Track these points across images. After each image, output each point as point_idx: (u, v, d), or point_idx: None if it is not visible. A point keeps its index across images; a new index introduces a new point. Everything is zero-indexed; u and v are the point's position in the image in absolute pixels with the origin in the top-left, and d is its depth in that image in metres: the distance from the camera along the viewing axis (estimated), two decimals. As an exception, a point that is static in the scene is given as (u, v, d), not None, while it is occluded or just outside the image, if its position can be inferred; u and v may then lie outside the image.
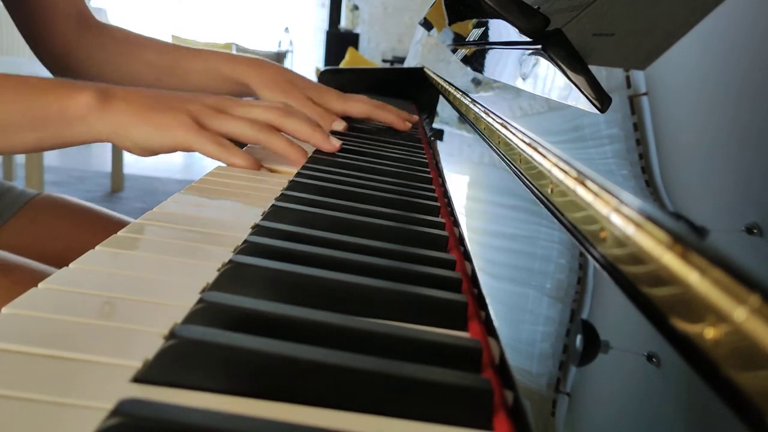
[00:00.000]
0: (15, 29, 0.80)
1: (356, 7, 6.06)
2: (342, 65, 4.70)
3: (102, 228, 0.70)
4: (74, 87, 0.52)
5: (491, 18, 0.70)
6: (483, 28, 0.76)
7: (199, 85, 0.82)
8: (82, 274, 0.29)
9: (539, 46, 0.45)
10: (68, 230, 0.71)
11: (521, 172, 0.37)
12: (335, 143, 0.59)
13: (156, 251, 0.33)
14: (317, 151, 0.59)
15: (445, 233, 0.40)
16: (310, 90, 0.77)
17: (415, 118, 0.81)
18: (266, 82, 0.76)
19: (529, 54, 0.47)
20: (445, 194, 0.53)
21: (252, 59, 0.81)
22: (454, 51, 0.94)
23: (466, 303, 0.30)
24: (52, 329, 0.24)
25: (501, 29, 0.64)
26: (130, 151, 0.53)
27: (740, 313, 0.14)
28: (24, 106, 0.52)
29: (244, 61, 0.80)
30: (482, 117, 0.53)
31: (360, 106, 0.78)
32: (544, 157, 0.32)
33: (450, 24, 1.13)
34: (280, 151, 0.56)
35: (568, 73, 0.37)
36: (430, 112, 0.99)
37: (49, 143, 0.54)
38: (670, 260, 0.18)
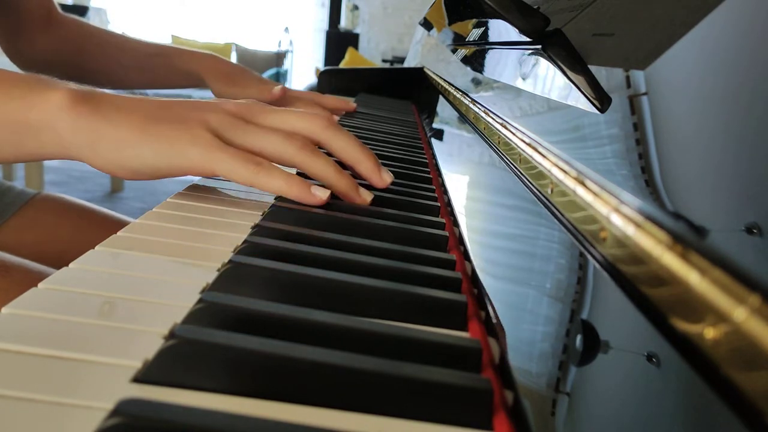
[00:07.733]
0: None
1: (356, 7, 6.06)
2: (342, 65, 4.70)
3: (102, 228, 0.71)
4: (47, 85, 0.40)
5: (491, 18, 0.70)
6: (483, 28, 0.75)
7: (158, 81, 0.85)
8: (82, 274, 0.29)
9: (539, 46, 0.45)
10: (68, 230, 0.71)
11: (521, 172, 0.37)
12: (366, 197, 0.43)
13: (156, 251, 0.33)
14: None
15: (445, 233, 0.40)
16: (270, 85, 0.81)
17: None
18: (219, 74, 0.79)
19: (529, 54, 0.47)
20: (445, 194, 0.53)
21: (205, 53, 0.84)
22: (454, 51, 0.94)
23: (466, 303, 0.30)
24: (52, 329, 0.24)
25: (501, 29, 0.64)
26: (111, 173, 0.40)
27: (740, 313, 0.14)
28: None
29: (198, 55, 0.83)
30: (482, 117, 0.53)
31: (333, 100, 0.84)
32: (544, 157, 0.32)
33: (450, 24, 1.13)
34: (327, 180, 0.42)
35: (568, 73, 0.37)
36: (430, 112, 0.99)
37: (22, 154, 0.41)
38: (670, 260, 0.18)
